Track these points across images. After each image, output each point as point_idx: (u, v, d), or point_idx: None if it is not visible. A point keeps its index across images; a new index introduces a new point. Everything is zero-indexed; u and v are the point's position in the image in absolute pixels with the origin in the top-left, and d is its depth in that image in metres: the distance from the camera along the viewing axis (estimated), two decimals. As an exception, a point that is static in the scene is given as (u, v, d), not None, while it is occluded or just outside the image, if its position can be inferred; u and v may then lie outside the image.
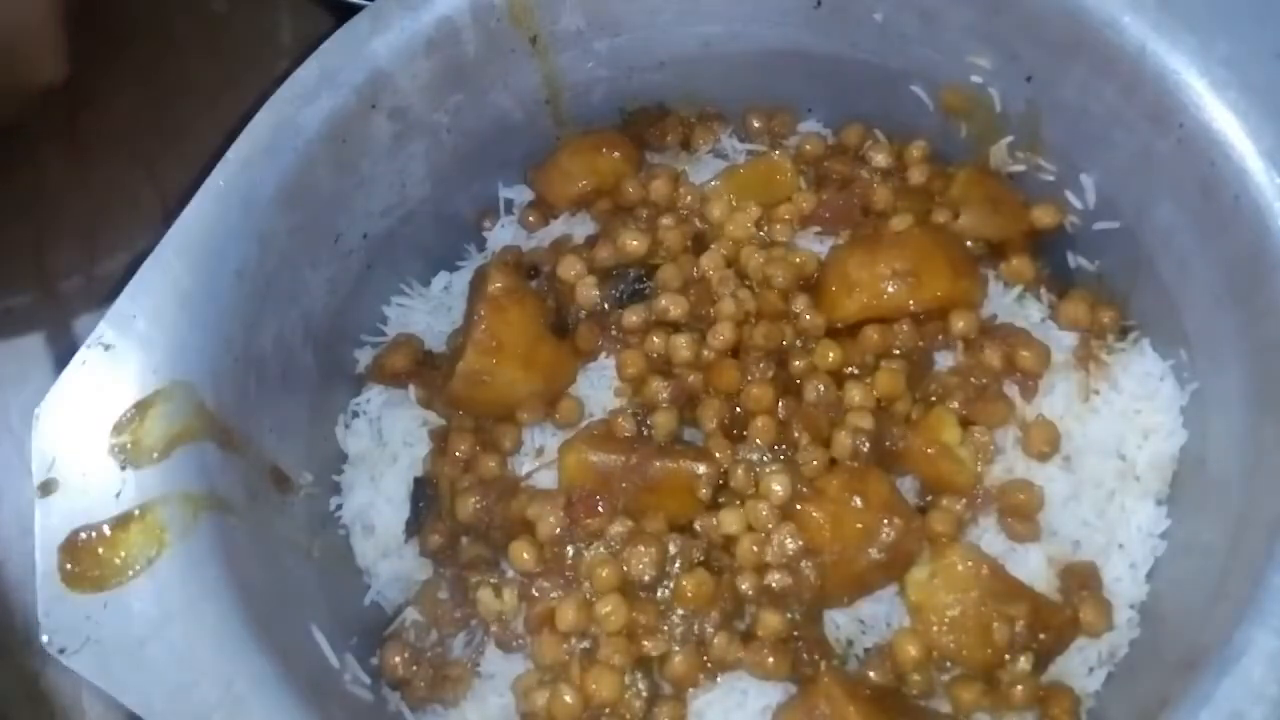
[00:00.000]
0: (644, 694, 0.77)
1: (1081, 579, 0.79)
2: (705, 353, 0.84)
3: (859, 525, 0.79)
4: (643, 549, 0.78)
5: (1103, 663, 0.78)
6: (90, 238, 1.11)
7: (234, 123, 0.80)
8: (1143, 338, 0.85)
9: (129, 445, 0.73)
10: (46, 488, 0.72)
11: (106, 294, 0.74)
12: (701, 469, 0.81)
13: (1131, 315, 0.86)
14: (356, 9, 0.84)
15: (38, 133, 1.15)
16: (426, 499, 0.86)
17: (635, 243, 0.87)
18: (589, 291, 0.87)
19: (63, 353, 0.73)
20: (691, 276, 0.87)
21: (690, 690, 0.78)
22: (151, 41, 1.18)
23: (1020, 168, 0.91)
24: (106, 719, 0.96)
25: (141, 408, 0.74)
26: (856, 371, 0.84)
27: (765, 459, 0.81)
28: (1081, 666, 0.79)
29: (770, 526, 0.79)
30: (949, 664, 0.78)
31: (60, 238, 1.12)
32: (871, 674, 0.78)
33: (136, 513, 0.71)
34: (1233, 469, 0.76)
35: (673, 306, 0.85)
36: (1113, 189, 0.85)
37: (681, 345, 0.84)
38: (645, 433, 0.84)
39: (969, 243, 0.88)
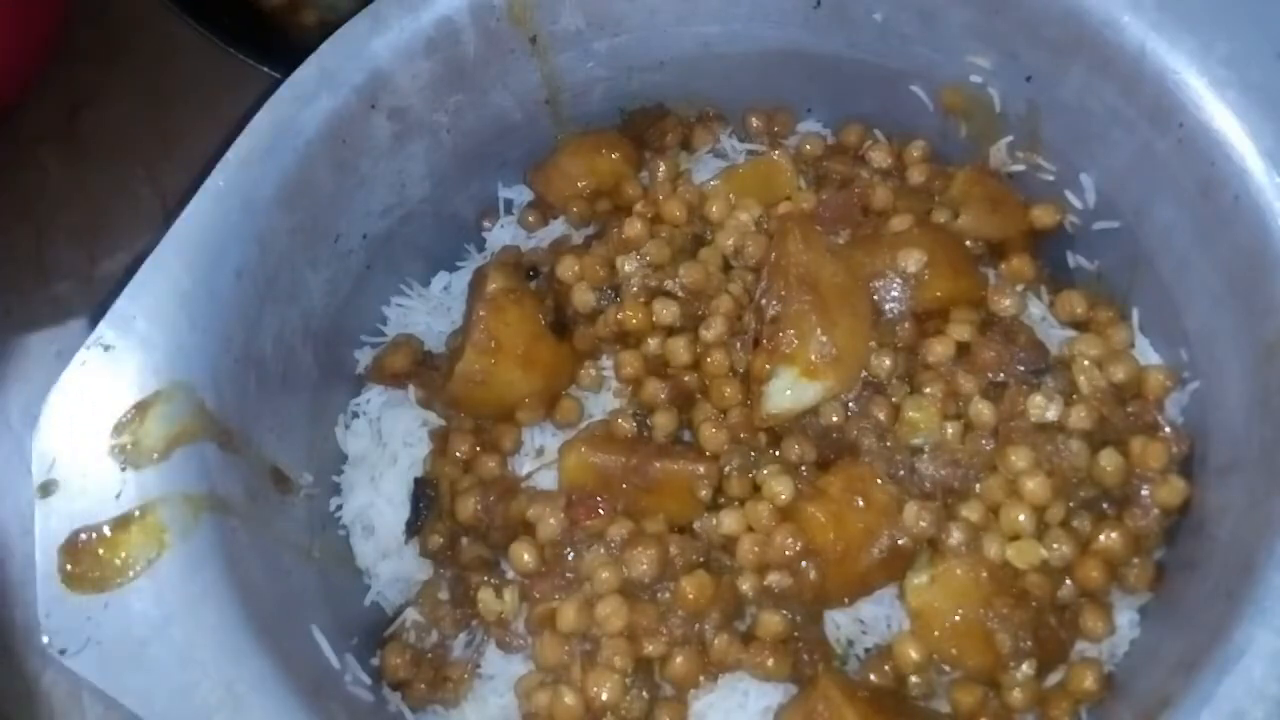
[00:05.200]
0: (645, 695, 0.77)
1: (1083, 583, 0.79)
2: (698, 348, 0.84)
3: (861, 525, 0.79)
4: (643, 550, 0.78)
5: (1103, 662, 0.78)
6: (90, 238, 1.11)
7: (233, 123, 0.80)
8: (1143, 337, 0.85)
9: (129, 446, 0.73)
10: (46, 488, 0.72)
11: (106, 294, 0.74)
12: (702, 469, 0.81)
13: (1131, 315, 0.86)
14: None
15: (38, 133, 1.15)
16: (426, 499, 0.86)
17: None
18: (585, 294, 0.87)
19: (63, 353, 0.73)
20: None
21: (691, 691, 0.78)
22: (151, 42, 1.18)
23: (1020, 168, 0.90)
24: (106, 719, 0.96)
25: (141, 408, 0.73)
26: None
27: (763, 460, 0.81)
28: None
29: (770, 527, 0.79)
30: (949, 667, 0.78)
31: (60, 238, 1.12)
32: (872, 675, 0.78)
33: (137, 513, 0.71)
34: (1233, 468, 0.75)
35: (665, 311, 0.85)
36: (1112, 189, 0.85)
37: (679, 347, 0.84)
38: (645, 434, 0.84)
39: (969, 242, 0.88)
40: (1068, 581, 0.79)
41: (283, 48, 1.01)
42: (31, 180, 1.14)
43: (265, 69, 1.03)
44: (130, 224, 1.10)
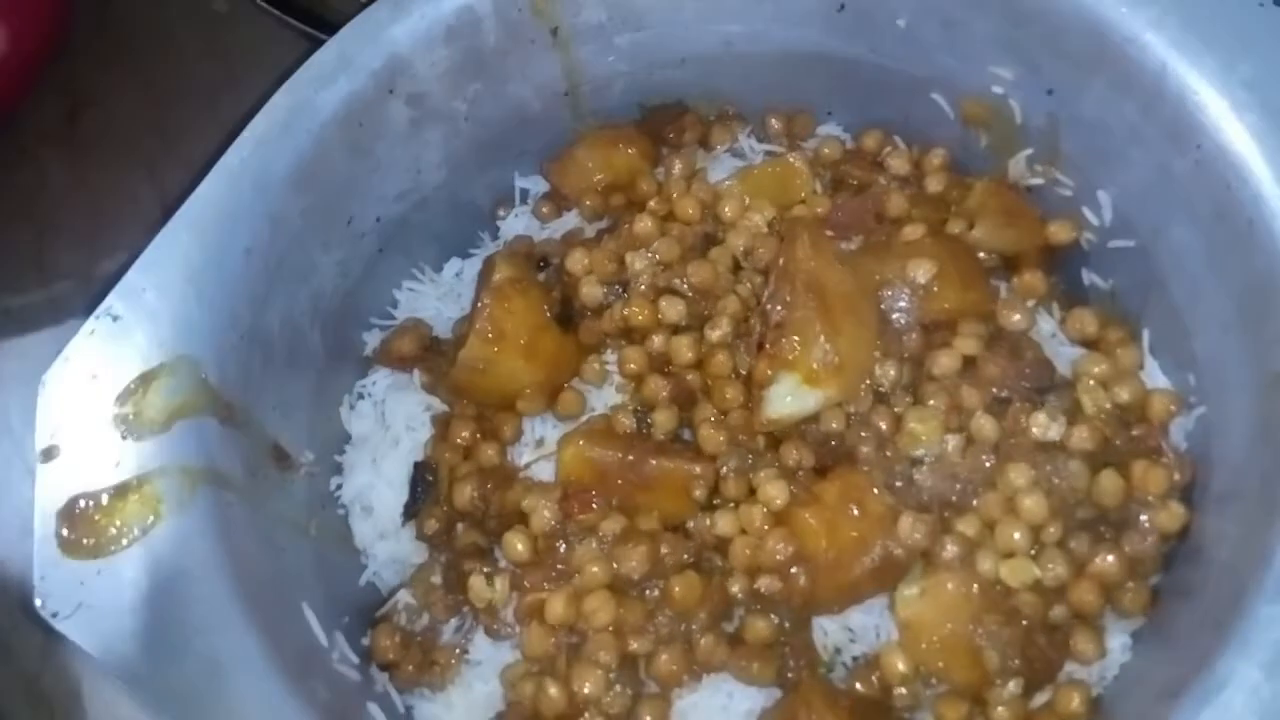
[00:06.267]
0: (628, 692, 0.77)
1: (1076, 605, 0.78)
2: (702, 348, 0.84)
3: (854, 534, 0.78)
4: (634, 547, 0.78)
5: (1092, 685, 0.77)
6: (90, 238, 1.12)
7: (234, 123, 0.80)
8: (1152, 359, 0.84)
9: (131, 416, 0.74)
10: (48, 454, 0.73)
11: (106, 294, 0.75)
12: (698, 469, 0.81)
13: (1142, 336, 0.85)
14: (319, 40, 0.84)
15: (38, 133, 1.16)
16: (425, 484, 0.87)
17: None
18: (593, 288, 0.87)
19: (63, 351, 0.74)
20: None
21: (675, 690, 0.78)
22: (151, 41, 1.18)
23: (1039, 181, 0.89)
24: (107, 718, 0.96)
25: (145, 380, 0.74)
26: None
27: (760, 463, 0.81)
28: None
29: (764, 531, 0.79)
30: (935, 680, 0.77)
31: (60, 238, 1.13)
32: (858, 685, 0.78)
33: (134, 483, 0.72)
34: (1232, 497, 0.75)
35: (671, 309, 0.85)
36: (1129, 207, 0.84)
37: (683, 346, 0.84)
38: (645, 431, 0.84)
39: (982, 254, 0.87)
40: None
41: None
42: (31, 180, 1.15)
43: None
44: (130, 224, 1.11)
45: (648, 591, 0.78)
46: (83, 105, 1.16)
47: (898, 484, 0.80)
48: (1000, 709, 0.76)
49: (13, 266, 1.12)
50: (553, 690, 0.76)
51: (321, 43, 0.84)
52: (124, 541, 0.71)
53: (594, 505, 0.81)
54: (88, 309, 0.75)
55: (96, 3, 1.19)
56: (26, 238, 1.13)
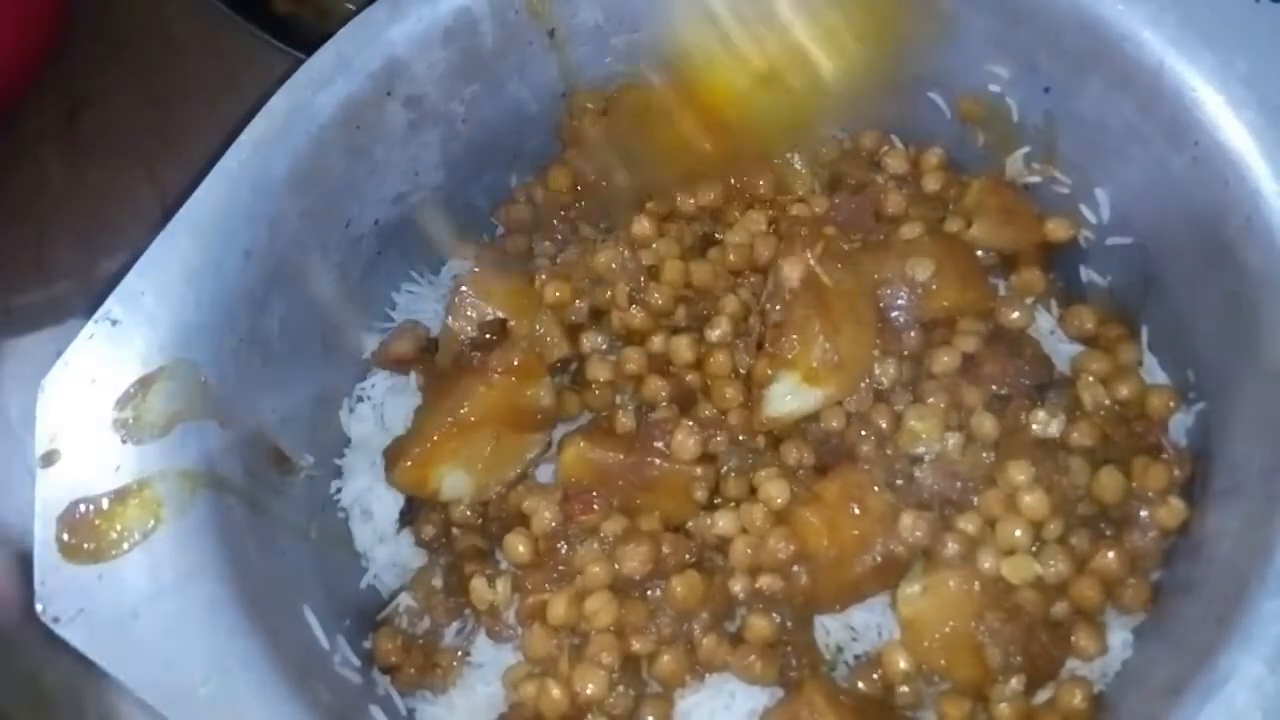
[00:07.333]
0: (631, 692, 0.77)
1: (1078, 602, 0.78)
2: (702, 348, 0.84)
3: (855, 532, 0.78)
4: (635, 547, 0.78)
5: (1094, 682, 0.78)
6: (90, 238, 1.12)
7: (234, 123, 0.80)
8: (1151, 356, 0.85)
9: (131, 420, 0.73)
10: (48, 459, 0.72)
11: (106, 294, 0.75)
12: (699, 470, 0.81)
13: (1141, 333, 0.85)
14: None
15: (38, 133, 1.16)
16: (422, 488, 0.87)
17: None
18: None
19: (63, 353, 0.73)
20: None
21: (677, 690, 0.78)
22: (151, 41, 1.18)
23: (1036, 179, 0.90)
24: (108, 718, 0.95)
25: (145, 384, 0.74)
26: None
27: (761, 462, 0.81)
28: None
29: (765, 530, 0.79)
30: (938, 678, 0.77)
31: (60, 238, 1.13)
32: (860, 684, 0.78)
33: (134, 487, 0.72)
34: (1232, 492, 0.75)
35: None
36: (1127, 204, 0.84)
37: (683, 346, 0.84)
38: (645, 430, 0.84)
39: (980, 252, 0.87)
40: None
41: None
42: (31, 180, 1.15)
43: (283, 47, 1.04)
44: (130, 224, 1.11)
45: (649, 592, 0.78)
46: (83, 105, 1.16)
47: (898, 482, 0.80)
48: (1002, 706, 0.76)
49: (13, 266, 1.12)
50: (555, 691, 0.76)
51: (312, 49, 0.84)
52: (125, 546, 0.71)
53: (595, 506, 0.81)
54: (88, 309, 0.74)
55: (96, 3, 1.19)
56: (26, 238, 1.13)
